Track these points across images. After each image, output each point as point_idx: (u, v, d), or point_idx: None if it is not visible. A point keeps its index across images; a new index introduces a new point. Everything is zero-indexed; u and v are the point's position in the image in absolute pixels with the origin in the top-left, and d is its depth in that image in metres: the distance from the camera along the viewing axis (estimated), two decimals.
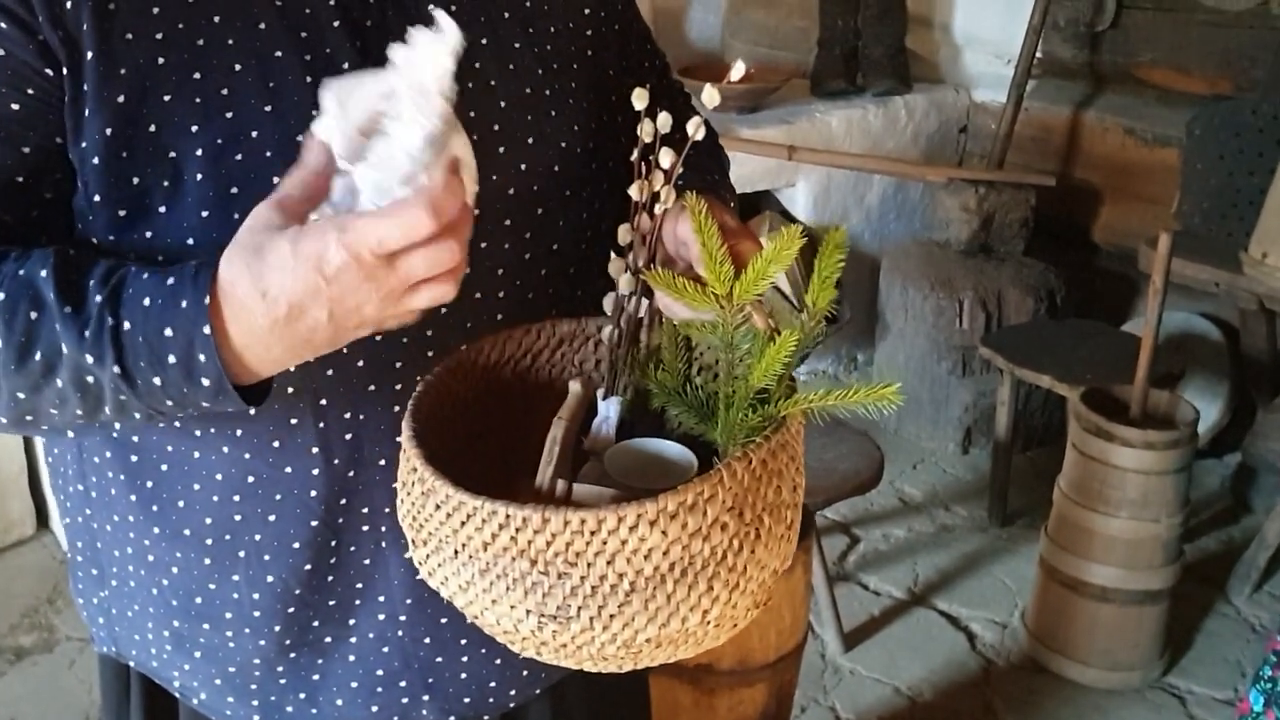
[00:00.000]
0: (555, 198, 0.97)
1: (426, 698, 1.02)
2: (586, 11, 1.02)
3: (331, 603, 0.97)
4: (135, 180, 0.82)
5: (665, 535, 0.68)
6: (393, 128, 0.69)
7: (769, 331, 0.78)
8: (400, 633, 0.98)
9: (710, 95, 0.79)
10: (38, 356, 0.78)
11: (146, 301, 0.76)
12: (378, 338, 0.86)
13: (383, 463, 0.93)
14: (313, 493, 0.93)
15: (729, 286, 0.78)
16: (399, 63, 0.70)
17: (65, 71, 0.80)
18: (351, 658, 0.99)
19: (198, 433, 0.91)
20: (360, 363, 0.90)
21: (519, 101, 0.94)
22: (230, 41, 0.83)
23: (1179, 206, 3.29)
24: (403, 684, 1.01)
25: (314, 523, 0.93)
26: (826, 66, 3.84)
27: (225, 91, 0.83)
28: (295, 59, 0.85)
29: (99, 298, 0.77)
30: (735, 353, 0.80)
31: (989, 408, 3.42)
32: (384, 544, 0.95)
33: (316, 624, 0.98)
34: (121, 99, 0.81)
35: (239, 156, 0.83)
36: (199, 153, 0.82)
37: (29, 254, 0.80)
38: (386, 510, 0.94)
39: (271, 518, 0.93)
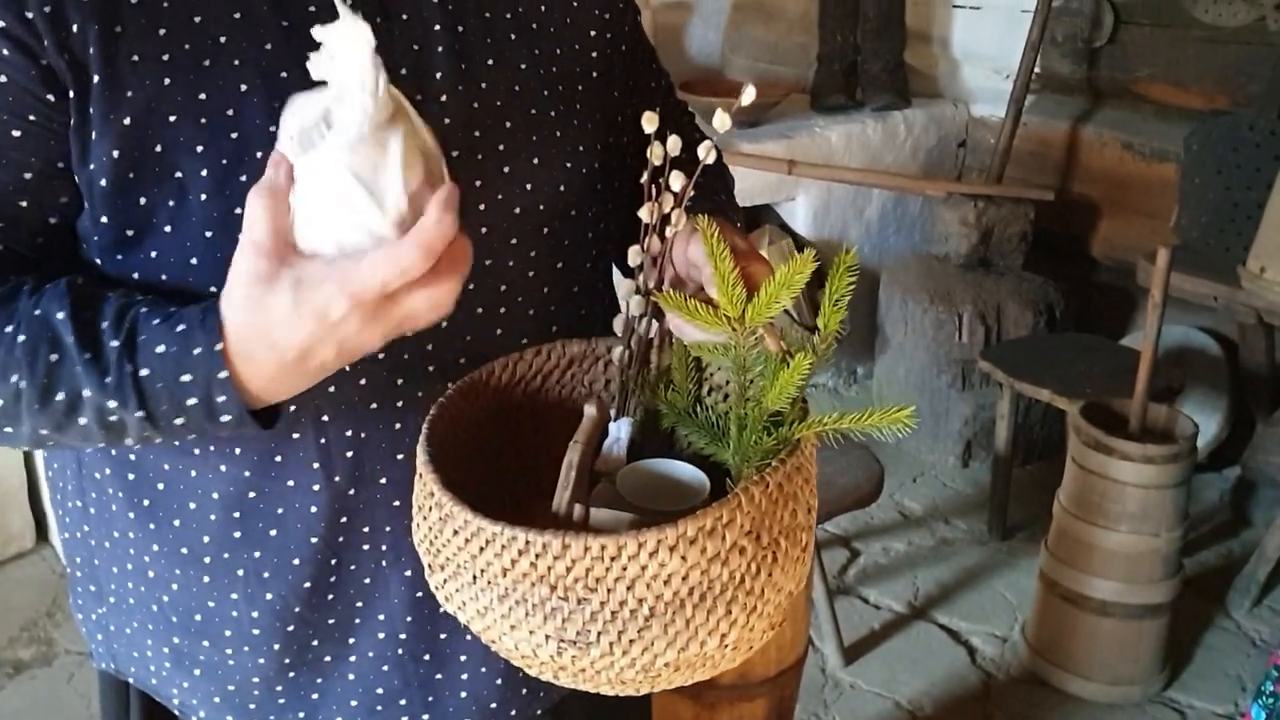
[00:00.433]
0: (561, 217, 0.97)
1: (426, 717, 1.02)
2: (593, 33, 1.03)
3: (331, 621, 0.97)
4: (142, 200, 0.83)
5: (685, 560, 0.68)
6: (337, 114, 0.71)
7: (781, 354, 0.78)
8: (400, 651, 0.98)
9: (721, 120, 0.79)
10: (60, 397, 0.79)
11: (160, 349, 0.77)
12: (380, 355, 0.86)
13: (384, 480, 0.93)
14: (313, 509, 0.93)
15: (742, 309, 0.78)
16: (331, 65, 0.71)
17: (71, 95, 0.81)
18: (351, 676, 0.99)
19: (196, 451, 0.91)
20: (362, 380, 0.90)
21: (525, 122, 0.94)
22: (236, 62, 0.84)
23: (1177, 221, 3.31)
24: (402, 703, 1.00)
25: (314, 540, 0.93)
26: (826, 82, 3.86)
27: (231, 112, 0.83)
28: (301, 79, 0.85)
29: (115, 343, 0.78)
30: (748, 375, 0.81)
31: (989, 421, 3.42)
32: (384, 562, 0.95)
33: (316, 642, 0.98)
34: (128, 121, 0.81)
35: (244, 177, 0.83)
36: (204, 173, 0.82)
37: (43, 291, 0.81)
38: (387, 528, 0.94)
39: (272, 533, 0.93)
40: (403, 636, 0.98)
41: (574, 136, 0.98)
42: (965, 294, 3.47)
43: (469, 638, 0.98)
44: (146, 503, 0.94)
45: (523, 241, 0.94)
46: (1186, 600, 2.68)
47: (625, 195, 1.01)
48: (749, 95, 0.80)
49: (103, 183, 0.82)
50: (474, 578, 0.72)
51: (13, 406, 0.80)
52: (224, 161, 0.82)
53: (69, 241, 0.87)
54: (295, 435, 0.90)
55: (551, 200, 0.96)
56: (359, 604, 0.97)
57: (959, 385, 3.51)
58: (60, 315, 0.79)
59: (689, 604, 0.69)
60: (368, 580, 0.96)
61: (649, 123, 0.79)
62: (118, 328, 0.79)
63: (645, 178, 0.80)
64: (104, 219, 0.83)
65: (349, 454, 0.92)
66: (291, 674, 0.99)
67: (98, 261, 0.86)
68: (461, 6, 0.92)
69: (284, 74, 0.85)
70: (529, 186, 0.94)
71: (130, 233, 0.84)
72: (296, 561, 0.93)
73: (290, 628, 0.96)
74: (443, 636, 0.98)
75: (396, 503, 0.93)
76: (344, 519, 0.94)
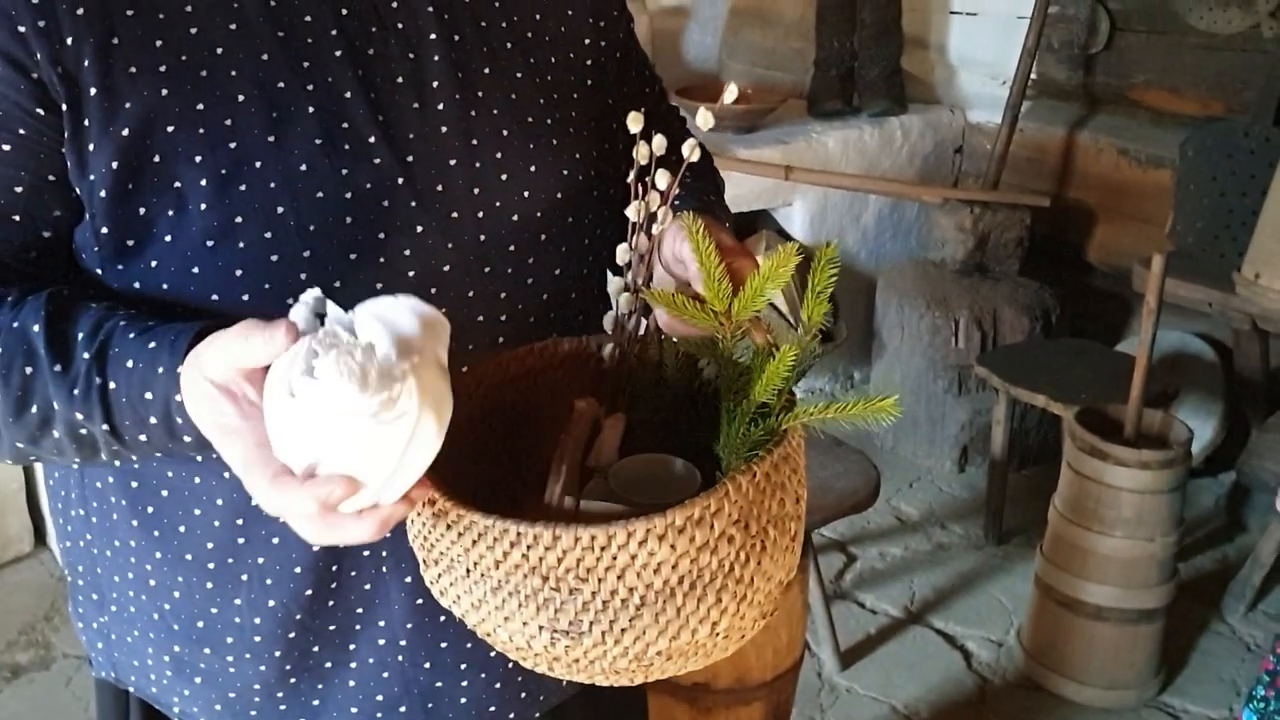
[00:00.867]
0: (558, 224, 0.98)
1: None
2: (587, 41, 1.04)
3: (332, 627, 0.97)
4: (141, 211, 0.83)
5: (674, 549, 0.69)
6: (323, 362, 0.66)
7: (768, 347, 0.79)
8: (400, 658, 0.98)
9: (705, 118, 0.80)
10: (34, 410, 0.81)
11: (130, 363, 0.78)
12: None
13: None
14: None
15: (727, 304, 0.79)
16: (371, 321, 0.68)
17: (64, 109, 0.81)
18: (352, 683, 0.99)
19: (198, 459, 0.92)
20: None
21: (521, 130, 0.95)
22: (233, 73, 0.84)
23: (1172, 227, 3.32)
24: (402, 709, 1.00)
25: (316, 547, 0.93)
26: (823, 87, 3.87)
27: (229, 122, 0.84)
28: (298, 89, 0.86)
29: (87, 355, 0.79)
30: (735, 369, 0.82)
31: (985, 426, 3.43)
32: (384, 569, 0.95)
33: (317, 649, 0.98)
34: (126, 132, 0.82)
35: (243, 187, 0.83)
36: (203, 183, 0.83)
37: (24, 302, 0.82)
38: (388, 535, 0.95)
39: (274, 540, 0.93)
40: (403, 643, 0.98)
41: (569, 143, 0.99)
42: (961, 299, 3.48)
43: (469, 645, 0.99)
44: (149, 511, 0.95)
45: (520, 248, 0.95)
46: (1181, 605, 2.69)
47: (620, 200, 1.02)
48: (730, 94, 0.81)
49: (102, 193, 0.83)
50: (467, 571, 0.73)
51: None
52: (223, 171, 0.83)
53: (62, 254, 0.88)
54: None
55: (548, 207, 0.97)
56: (360, 610, 0.97)
57: (955, 390, 3.52)
58: (36, 328, 0.80)
59: (679, 592, 0.70)
60: (368, 587, 0.96)
61: (634, 122, 0.80)
62: (92, 339, 0.80)
63: (631, 176, 0.81)
64: (104, 229, 0.84)
65: None
66: (293, 680, 0.99)
67: (98, 271, 0.87)
68: (457, 16, 0.93)
69: (281, 84, 0.85)
70: (526, 194, 0.95)
71: (130, 243, 0.84)
72: (298, 569, 0.94)
73: (292, 634, 0.96)
74: (443, 645, 0.99)
75: None
76: None
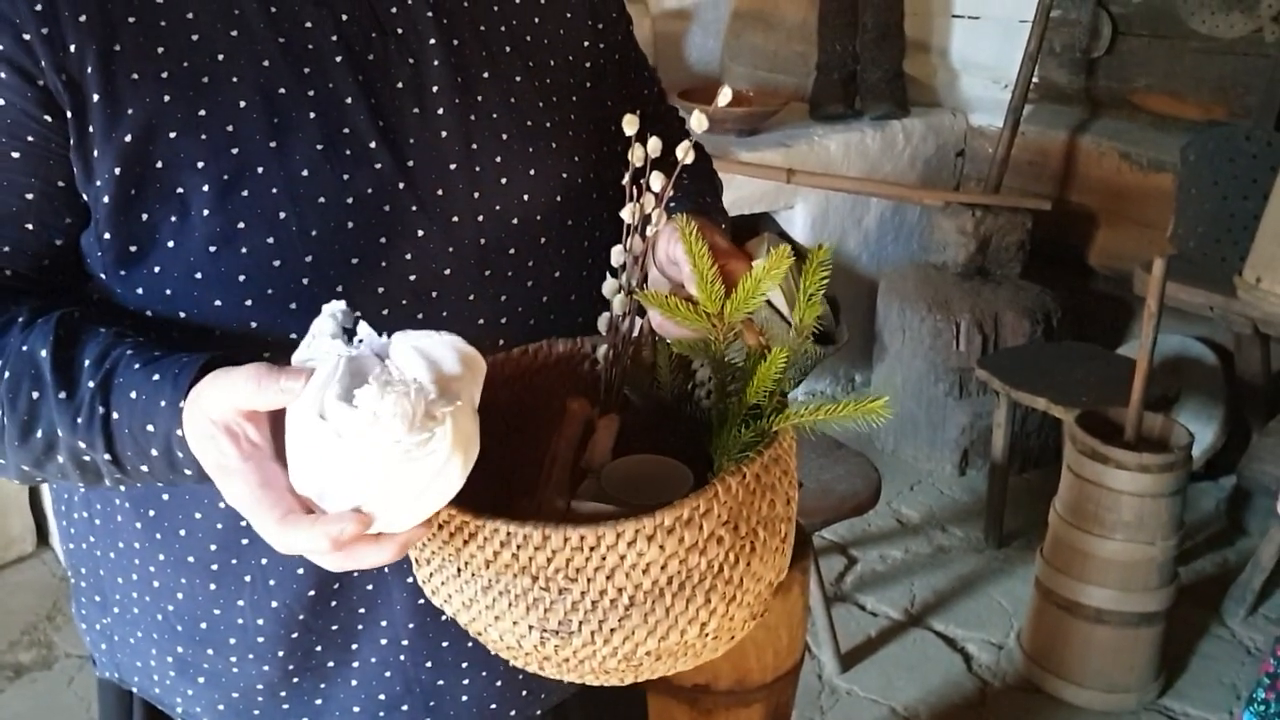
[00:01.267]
0: (557, 226, 0.98)
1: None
2: (585, 44, 1.04)
3: (334, 628, 0.98)
4: (144, 216, 0.84)
5: (663, 550, 0.69)
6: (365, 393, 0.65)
7: (760, 349, 0.79)
8: (402, 657, 0.99)
9: (699, 120, 0.81)
10: (39, 435, 0.81)
11: (133, 395, 0.78)
12: None
13: None
14: None
15: (720, 305, 0.80)
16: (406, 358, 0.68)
17: (69, 115, 0.82)
18: (354, 682, 1.00)
19: None
20: None
21: (521, 133, 0.95)
22: (235, 79, 0.85)
23: (1174, 231, 3.32)
24: (404, 708, 1.01)
25: None
26: (825, 90, 3.87)
27: (230, 128, 0.84)
28: (299, 94, 0.86)
29: (91, 383, 0.79)
30: (727, 370, 0.82)
31: (985, 429, 3.43)
32: (386, 569, 0.95)
33: (320, 649, 0.98)
34: (129, 138, 0.82)
35: (245, 192, 0.84)
36: (205, 188, 0.83)
37: (33, 325, 0.82)
38: None
39: None
40: (405, 642, 0.98)
41: (569, 146, 0.99)
42: (963, 303, 3.48)
43: (470, 643, 0.99)
44: (152, 513, 0.95)
45: (520, 251, 0.95)
46: (1182, 608, 2.68)
47: (619, 202, 1.03)
48: (725, 97, 0.82)
49: (106, 199, 0.83)
50: (458, 570, 0.73)
51: None
52: (225, 177, 0.84)
53: (74, 262, 0.88)
54: None
55: (548, 210, 0.97)
56: (362, 610, 0.97)
57: (956, 393, 3.52)
58: (43, 353, 0.80)
59: (668, 593, 0.70)
60: (370, 587, 0.96)
61: (629, 125, 0.81)
62: (98, 368, 0.80)
63: (626, 178, 0.82)
64: (107, 235, 0.85)
65: None
66: (295, 680, 0.99)
67: (102, 276, 0.87)
68: (456, 21, 0.94)
69: (282, 90, 0.86)
70: (526, 197, 0.95)
71: (134, 248, 0.85)
72: (301, 570, 0.94)
73: (295, 635, 0.97)
74: (445, 644, 0.99)
75: None
76: None
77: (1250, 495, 3.26)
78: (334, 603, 0.96)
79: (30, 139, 0.82)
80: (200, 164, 0.83)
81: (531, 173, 0.95)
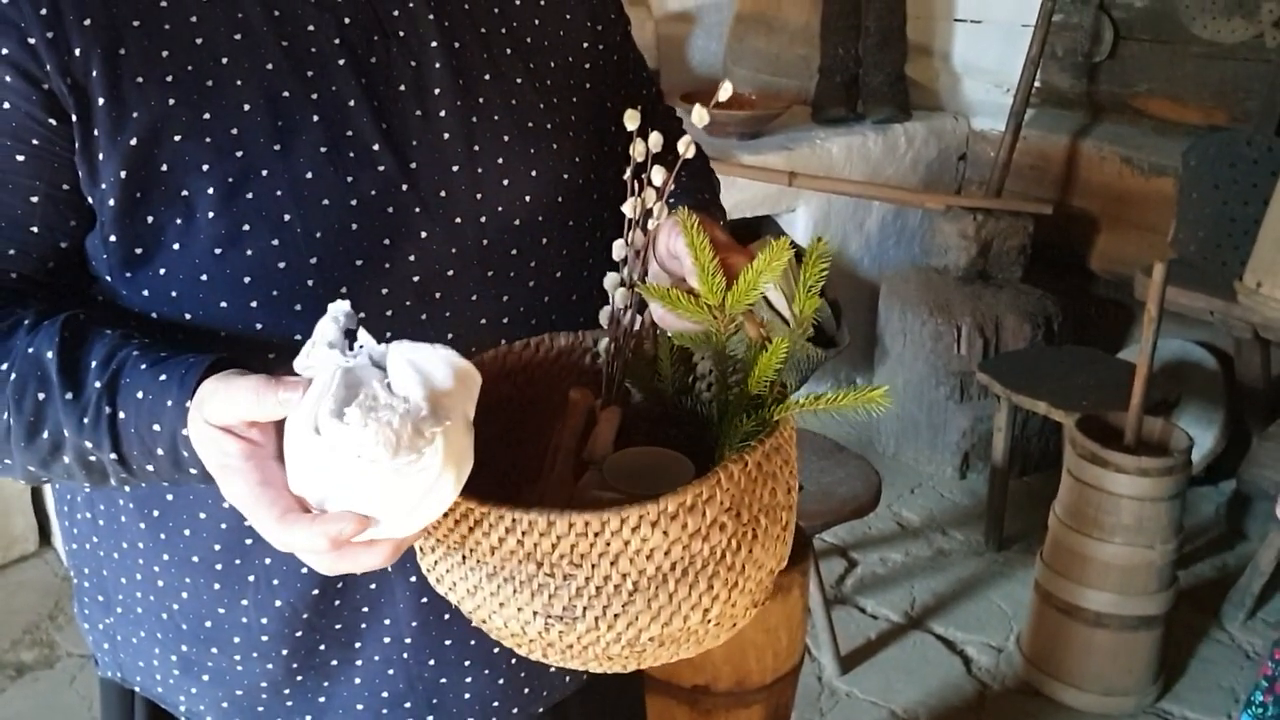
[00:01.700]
0: (558, 226, 0.99)
1: (430, 718, 1.03)
2: (585, 45, 1.05)
3: (338, 626, 0.98)
4: (150, 219, 0.84)
5: (666, 535, 0.70)
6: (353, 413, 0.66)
7: (761, 340, 0.80)
8: (405, 655, 0.99)
9: (700, 115, 0.81)
10: (45, 436, 0.82)
11: (140, 394, 0.79)
12: None
13: None
14: None
15: (721, 297, 0.80)
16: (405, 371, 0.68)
17: (74, 119, 0.82)
18: (357, 680, 1.00)
19: None
20: None
21: (522, 135, 0.96)
22: (239, 82, 0.85)
23: (1175, 235, 3.32)
24: (407, 705, 1.01)
25: None
26: (827, 94, 3.88)
27: (235, 131, 0.85)
28: (302, 97, 0.87)
29: (98, 384, 0.80)
30: (729, 362, 0.83)
31: (986, 433, 3.44)
32: (390, 569, 0.94)
33: (323, 647, 0.99)
34: (134, 142, 0.83)
35: (250, 195, 0.84)
36: (210, 191, 0.84)
37: (39, 327, 0.83)
38: None
39: None
40: (408, 640, 0.99)
41: (569, 147, 1.00)
42: (964, 306, 3.49)
43: (473, 641, 1.00)
44: (156, 513, 0.95)
45: (522, 252, 0.96)
46: (1181, 612, 2.69)
47: (619, 201, 1.03)
48: (725, 92, 0.82)
49: (111, 202, 0.84)
50: (463, 558, 0.74)
51: (3, 443, 0.82)
52: (229, 180, 0.84)
53: (79, 265, 0.89)
54: None
55: (549, 210, 0.98)
56: (366, 609, 0.98)
57: (957, 397, 3.53)
58: (50, 354, 0.81)
59: (671, 579, 0.71)
60: (374, 586, 0.97)
61: (630, 120, 0.81)
62: (104, 368, 0.80)
63: (628, 173, 0.82)
64: (113, 238, 0.85)
65: None
66: (299, 679, 1.00)
67: (107, 278, 0.88)
68: (458, 23, 0.94)
69: (285, 93, 0.86)
70: (527, 197, 0.96)
71: (139, 251, 0.85)
72: (304, 570, 0.94)
73: (298, 634, 0.97)
74: (448, 642, 1.00)
75: None
76: None
77: (1250, 500, 3.27)
78: (337, 602, 0.97)
79: (35, 142, 0.83)
80: (205, 167, 0.84)
81: (533, 174, 0.96)
